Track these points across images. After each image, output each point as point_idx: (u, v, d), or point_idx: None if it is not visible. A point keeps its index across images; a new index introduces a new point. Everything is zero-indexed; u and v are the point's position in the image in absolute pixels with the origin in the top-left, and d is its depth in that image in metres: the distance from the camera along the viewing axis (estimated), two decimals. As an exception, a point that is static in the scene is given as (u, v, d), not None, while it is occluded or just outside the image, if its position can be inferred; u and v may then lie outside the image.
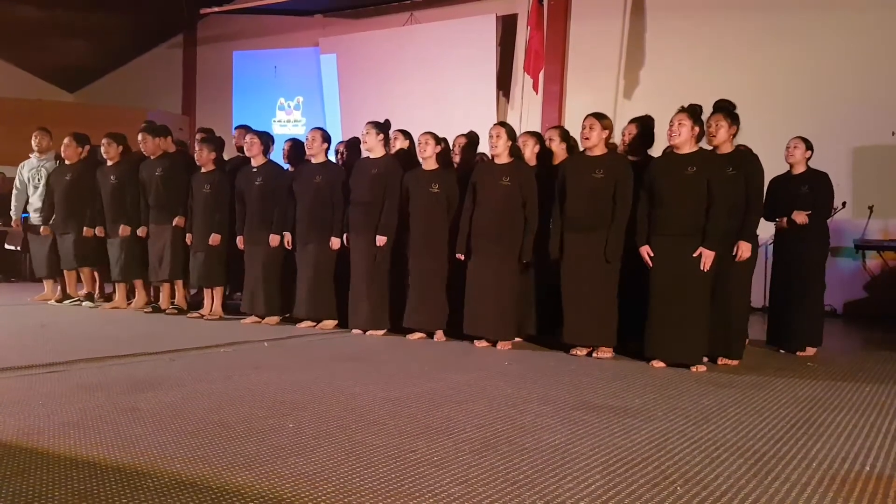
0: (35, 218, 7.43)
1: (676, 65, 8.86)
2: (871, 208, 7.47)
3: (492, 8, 10.11)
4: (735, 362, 4.72)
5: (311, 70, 11.78)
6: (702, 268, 4.44)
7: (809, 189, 5.26)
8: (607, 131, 4.89)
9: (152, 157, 6.59)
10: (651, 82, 9.09)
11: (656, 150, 5.18)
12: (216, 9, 11.95)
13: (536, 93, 9.47)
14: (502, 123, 5.33)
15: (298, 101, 12.11)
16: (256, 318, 6.09)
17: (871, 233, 7.65)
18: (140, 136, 6.61)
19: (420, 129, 6.11)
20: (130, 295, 6.95)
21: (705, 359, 4.62)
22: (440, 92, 10.22)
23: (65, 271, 7.18)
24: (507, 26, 10.11)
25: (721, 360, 4.71)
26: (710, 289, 4.52)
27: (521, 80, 9.82)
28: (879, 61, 7.81)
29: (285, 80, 12.10)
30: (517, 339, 5.30)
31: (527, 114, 9.66)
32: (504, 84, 10.12)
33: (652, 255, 4.60)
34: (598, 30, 9.43)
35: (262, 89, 12.19)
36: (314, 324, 5.89)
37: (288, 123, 11.98)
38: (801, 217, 5.22)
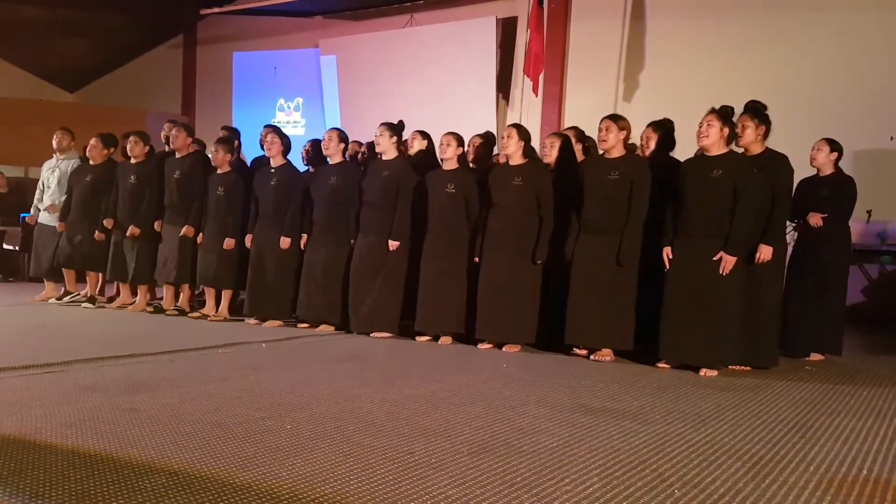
0: (44, 217, 7.37)
1: (676, 67, 8.86)
2: (869, 212, 7.48)
3: (492, 10, 10.10)
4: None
5: (310, 71, 11.77)
6: (721, 272, 4.40)
7: (829, 192, 5.20)
8: (624, 132, 4.85)
9: (178, 156, 6.54)
10: (651, 84, 9.09)
11: (677, 153, 5.14)
12: (216, 9, 11.93)
13: (536, 95, 9.47)
14: (516, 125, 5.31)
15: (298, 102, 12.10)
16: (258, 321, 6.05)
17: (869, 237, 7.66)
18: (175, 132, 6.55)
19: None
20: (133, 295, 6.91)
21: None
22: (440, 94, 10.22)
23: (64, 270, 7.15)
24: (507, 28, 10.11)
25: (736, 367, 4.60)
26: (739, 294, 4.45)
27: (520, 82, 9.81)
28: (879, 65, 7.81)
29: (285, 81, 12.08)
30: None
31: (526, 116, 9.65)
32: (504, 86, 10.11)
33: (671, 257, 4.57)
34: (598, 32, 9.42)
35: (261, 90, 12.18)
36: (313, 325, 5.87)
37: (288, 125, 11.96)
38: (815, 219, 5.17)
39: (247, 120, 11.33)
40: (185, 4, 12.08)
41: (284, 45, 12.07)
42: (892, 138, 7.71)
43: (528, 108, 9.74)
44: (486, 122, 9.27)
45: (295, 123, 12.01)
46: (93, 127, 7.70)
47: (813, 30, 8.18)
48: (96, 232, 6.84)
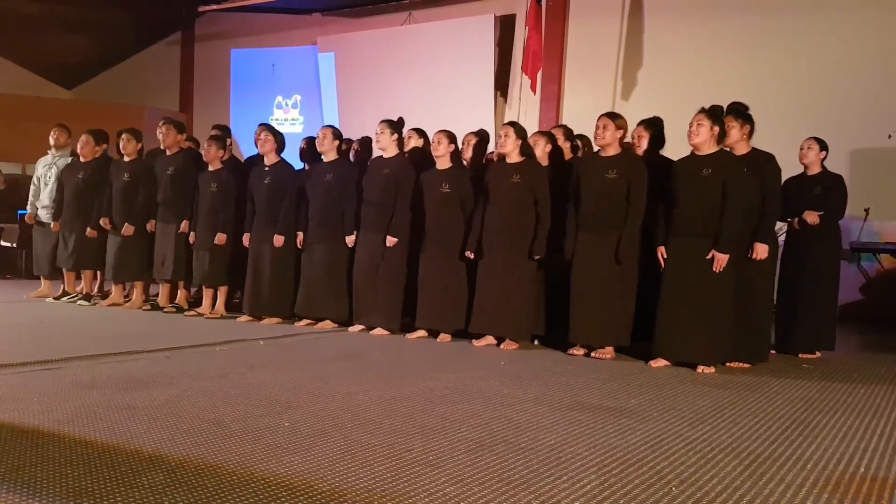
0: (43, 215, 7.34)
1: (674, 66, 8.87)
2: (866, 211, 7.49)
3: (490, 8, 10.11)
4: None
5: (308, 69, 11.76)
6: (714, 270, 4.43)
7: (822, 190, 5.24)
8: (621, 131, 4.87)
9: (168, 153, 6.54)
10: (649, 83, 9.10)
11: (667, 151, 5.16)
12: (214, 6, 11.91)
13: (534, 93, 9.47)
14: (512, 123, 5.32)
15: (296, 99, 12.09)
16: (255, 318, 6.04)
17: (866, 235, 7.67)
18: (164, 129, 6.53)
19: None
20: (123, 294, 6.90)
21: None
22: (438, 91, 10.22)
23: (64, 270, 7.13)
24: (505, 26, 10.11)
25: (735, 364, 4.66)
26: (730, 291, 4.49)
27: (519, 79, 9.81)
28: (876, 64, 7.82)
29: (283, 78, 12.08)
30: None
31: (524, 114, 9.65)
32: (502, 84, 10.12)
33: (666, 256, 4.60)
34: (597, 30, 9.43)
35: (259, 87, 12.17)
36: (312, 322, 5.87)
37: (286, 122, 11.96)
38: (812, 217, 5.20)
39: (245, 117, 11.33)
40: (184, 1, 12.07)
41: (282, 43, 12.06)
42: (889, 136, 7.72)
43: (526, 105, 9.75)
44: (484, 119, 9.27)
45: (293, 121, 12.00)
46: (90, 124, 7.68)
47: (811, 28, 8.19)
48: (88, 229, 6.82)
